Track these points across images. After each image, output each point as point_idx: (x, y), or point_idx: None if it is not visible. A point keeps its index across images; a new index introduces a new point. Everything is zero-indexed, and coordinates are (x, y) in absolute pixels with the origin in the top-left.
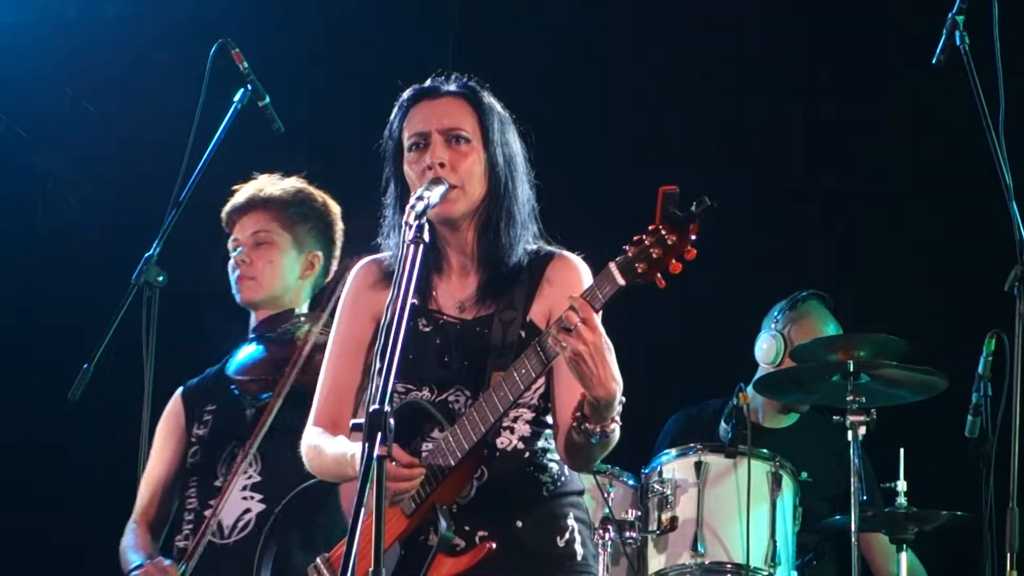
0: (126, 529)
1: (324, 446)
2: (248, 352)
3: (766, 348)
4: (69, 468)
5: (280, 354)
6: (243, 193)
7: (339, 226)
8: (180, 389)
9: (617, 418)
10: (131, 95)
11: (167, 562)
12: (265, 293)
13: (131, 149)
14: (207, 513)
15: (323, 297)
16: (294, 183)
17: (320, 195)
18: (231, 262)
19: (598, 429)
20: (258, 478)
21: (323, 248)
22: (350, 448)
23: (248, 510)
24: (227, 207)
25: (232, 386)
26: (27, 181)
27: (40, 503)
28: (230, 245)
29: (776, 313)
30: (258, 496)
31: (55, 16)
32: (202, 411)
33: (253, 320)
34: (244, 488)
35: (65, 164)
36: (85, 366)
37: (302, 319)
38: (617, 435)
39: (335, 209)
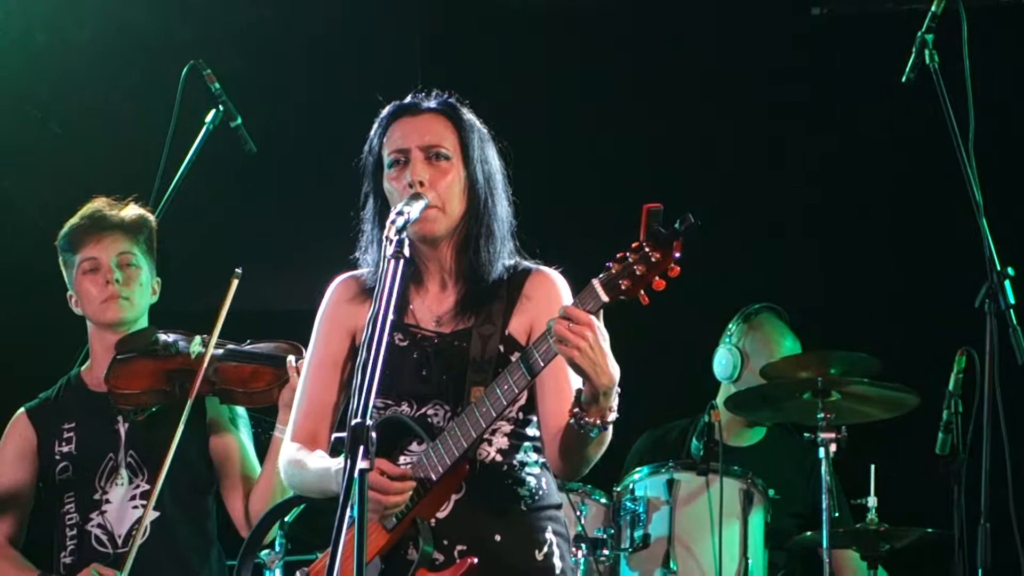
0: None
1: (306, 461)
2: (127, 367)
3: (724, 363)
4: None
5: (167, 366)
6: (97, 214)
7: None
8: (22, 409)
9: (615, 408)
10: (101, 118)
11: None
12: (136, 313)
13: (101, 172)
14: (89, 527)
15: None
16: (139, 208)
17: (154, 220)
18: (91, 279)
19: (598, 421)
20: (146, 487)
21: (158, 274)
22: (333, 463)
23: (140, 519)
24: (80, 225)
25: (112, 399)
26: None
27: None
28: (84, 264)
29: (731, 327)
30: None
31: (24, 41)
32: (59, 429)
33: (106, 339)
34: (133, 498)
35: (32, 188)
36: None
37: (170, 334)
38: (610, 434)
39: None
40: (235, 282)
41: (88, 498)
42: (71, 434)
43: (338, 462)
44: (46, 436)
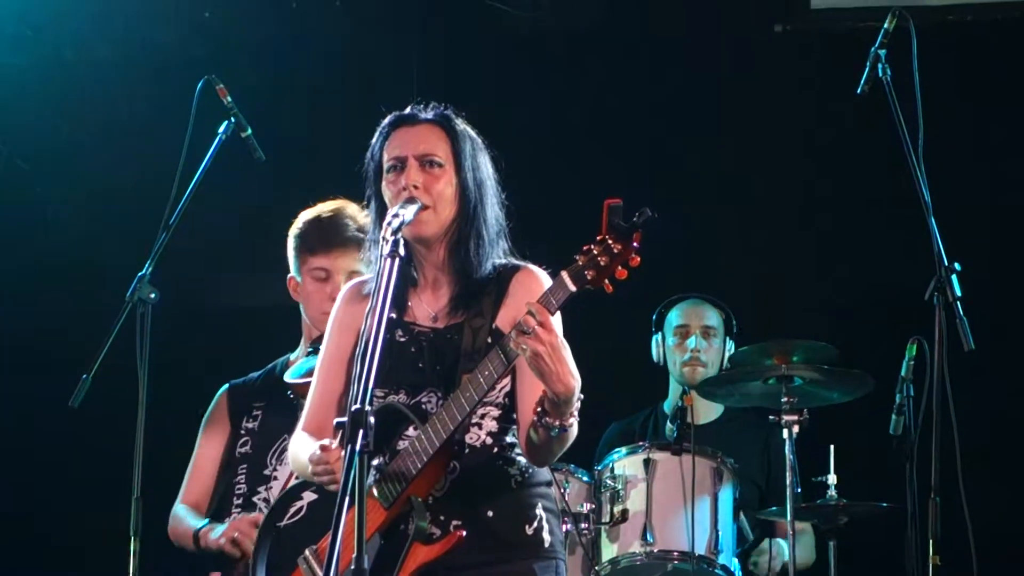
0: (174, 512)
1: (304, 450)
2: (309, 364)
3: (653, 353)
4: (69, 469)
5: None
6: (338, 221)
7: None
8: (226, 386)
9: (575, 413)
10: (123, 128)
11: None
12: None
13: (124, 178)
14: (255, 499)
15: None
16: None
17: None
18: (318, 287)
19: (557, 423)
20: None
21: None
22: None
23: (300, 498)
24: (320, 229)
25: (288, 392)
26: (28, 209)
27: (40, 504)
28: (316, 271)
29: (655, 317)
30: (311, 486)
31: (53, 57)
32: (250, 407)
33: (313, 334)
34: (297, 477)
35: (62, 193)
36: (84, 376)
37: None
38: (575, 431)
39: None
40: None
41: (259, 472)
42: (259, 413)
43: (312, 447)
44: (237, 413)
